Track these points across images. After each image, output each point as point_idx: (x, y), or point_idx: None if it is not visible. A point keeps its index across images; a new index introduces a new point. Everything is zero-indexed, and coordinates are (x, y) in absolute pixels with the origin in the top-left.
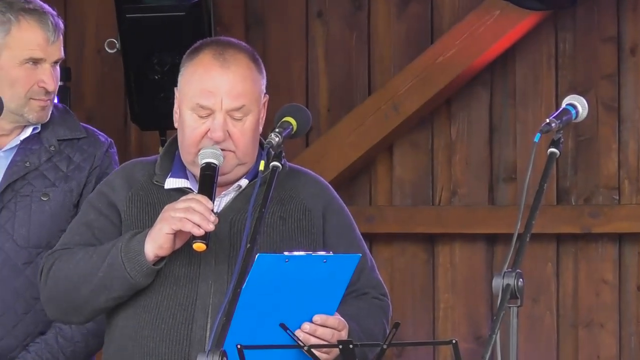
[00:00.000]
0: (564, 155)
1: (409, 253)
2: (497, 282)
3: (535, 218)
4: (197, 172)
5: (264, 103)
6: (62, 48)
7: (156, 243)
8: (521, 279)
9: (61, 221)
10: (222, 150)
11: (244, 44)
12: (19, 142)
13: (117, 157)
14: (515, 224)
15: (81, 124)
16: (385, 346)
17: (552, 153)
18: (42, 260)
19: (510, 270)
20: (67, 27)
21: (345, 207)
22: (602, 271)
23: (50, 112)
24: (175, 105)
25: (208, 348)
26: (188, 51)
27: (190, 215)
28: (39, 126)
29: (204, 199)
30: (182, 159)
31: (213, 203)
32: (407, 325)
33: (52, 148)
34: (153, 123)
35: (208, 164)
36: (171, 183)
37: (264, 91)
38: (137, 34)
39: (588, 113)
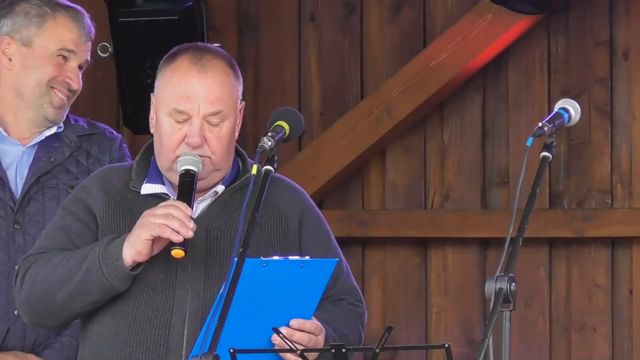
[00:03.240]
0: (556, 159)
1: (401, 257)
2: (490, 286)
3: (527, 222)
4: (174, 178)
5: (241, 109)
6: (89, 54)
7: (134, 248)
8: (514, 283)
9: None
10: (199, 156)
11: (221, 49)
12: (43, 137)
13: (128, 152)
14: (508, 228)
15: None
16: (378, 350)
17: (545, 157)
18: (18, 264)
19: (502, 274)
20: None
21: (321, 214)
22: (595, 275)
23: (65, 115)
24: (152, 111)
25: (194, 352)
26: (165, 56)
27: (169, 222)
28: (62, 125)
29: (183, 205)
30: (159, 165)
31: (192, 210)
32: (400, 329)
33: (72, 143)
34: (146, 127)
35: (187, 171)
36: (147, 189)
37: (241, 97)
38: (130, 38)
39: (581, 117)
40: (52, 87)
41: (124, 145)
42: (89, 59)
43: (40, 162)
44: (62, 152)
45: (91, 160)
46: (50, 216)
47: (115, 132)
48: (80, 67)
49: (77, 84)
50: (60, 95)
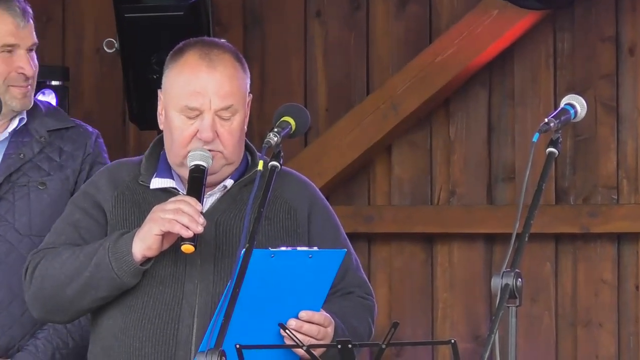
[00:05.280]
0: (562, 155)
1: (407, 253)
2: (496, 282)
3: (533, 218)
4: (185, 173)
5: (248, 102)
6: (34, 33)
7: (144, 243)
8: (520, 279)
9: (60, 209)
10: (211, 150)
11: (227, 43)
12: (7, 134)
13: (105, 147)
14: (514, 224)
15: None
16: (384, 346)
17: (551, 153)
18: (27, 259)
19: (509, 269)
20: (65, 27)
21: (330, 207)
22: (601, 271)
23: (32, 99)
24: (160, 107)
25: (201, 348)
26: (172, 52)
27: (179, 217)
28: (26, 117)
29: (193, 200)
30: (169, 161)
31: (202, 205)
32: (406, 325)
33: (42, 139)
34: (151, 122)
35: (197, 166)
36: (157, 183)
37: (249, 90)
38: (136, 34)
39: (586, 113)
40: (9, 85)
41: (100, 140)
42: (35, 39)
43: (9, 160)
44: (32, 148)
45: (64, 156)
46: (21, 215)
47: (90, 128)
48: (30, 50)
49: (30, 70)
50: (20, 90)
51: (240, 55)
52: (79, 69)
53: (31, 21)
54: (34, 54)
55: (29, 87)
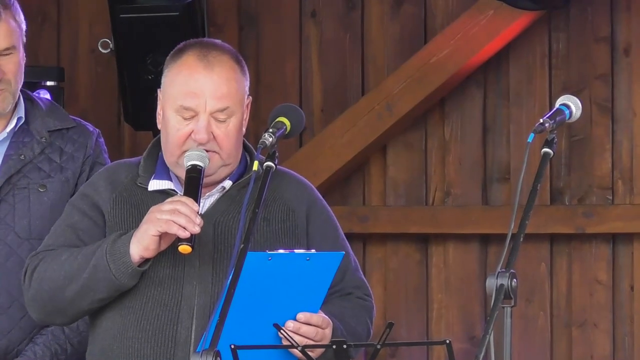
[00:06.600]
0: (557, 155)
1: (402, 253)
2: (491, 282)
3: (528, 218)
4: (181, 173)
5: (247, 104)
6: (12, 36)
7: (142, 244)
8: (515, 279)
9: (60, 212)
10: (207, 151)
11: (227, 45)
12: (6, 134)
13: (105, 147)
14: (509, 224)
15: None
16: (379, 346)
17: (546, 153)
18: (26, 261)
19: (503, 270)
20: (60, 27)
21: (329, 208)
22: (596, 271)
23: (9, 103)
24: (159, 107)
25: (198, 349)
26: (171, 53)
27: (176, 218)
28: (24, 116)
29: (189, 201)
30: (166, 161)
31: (199, 205)
32: (401, 325)
33: (43, 139)
34: (146, 123)
35: (194, 166)
36: (155, 185)
37: (248, 92)
38: (131, 34)
39: (581, 113)
40: None
41: (101, 140)
42: (12, 42)
43: (10, 161)
44: (32, 149)
45: (64, 157)
46: (21, 219)
47: (90, 127)
48: (6, 53)
49: None
50: None
51: (240, 57)
52: (74, 70)
53: (8, 23)
54: (15, 56)
55: (2, 90)
